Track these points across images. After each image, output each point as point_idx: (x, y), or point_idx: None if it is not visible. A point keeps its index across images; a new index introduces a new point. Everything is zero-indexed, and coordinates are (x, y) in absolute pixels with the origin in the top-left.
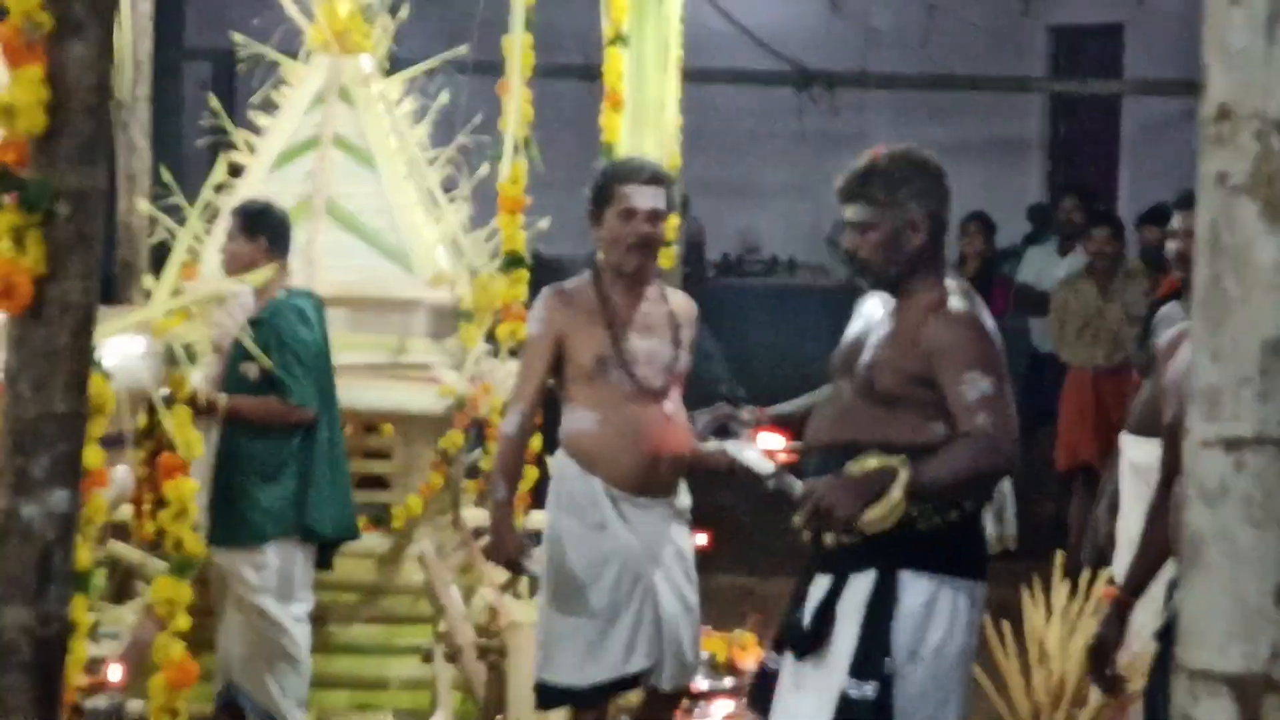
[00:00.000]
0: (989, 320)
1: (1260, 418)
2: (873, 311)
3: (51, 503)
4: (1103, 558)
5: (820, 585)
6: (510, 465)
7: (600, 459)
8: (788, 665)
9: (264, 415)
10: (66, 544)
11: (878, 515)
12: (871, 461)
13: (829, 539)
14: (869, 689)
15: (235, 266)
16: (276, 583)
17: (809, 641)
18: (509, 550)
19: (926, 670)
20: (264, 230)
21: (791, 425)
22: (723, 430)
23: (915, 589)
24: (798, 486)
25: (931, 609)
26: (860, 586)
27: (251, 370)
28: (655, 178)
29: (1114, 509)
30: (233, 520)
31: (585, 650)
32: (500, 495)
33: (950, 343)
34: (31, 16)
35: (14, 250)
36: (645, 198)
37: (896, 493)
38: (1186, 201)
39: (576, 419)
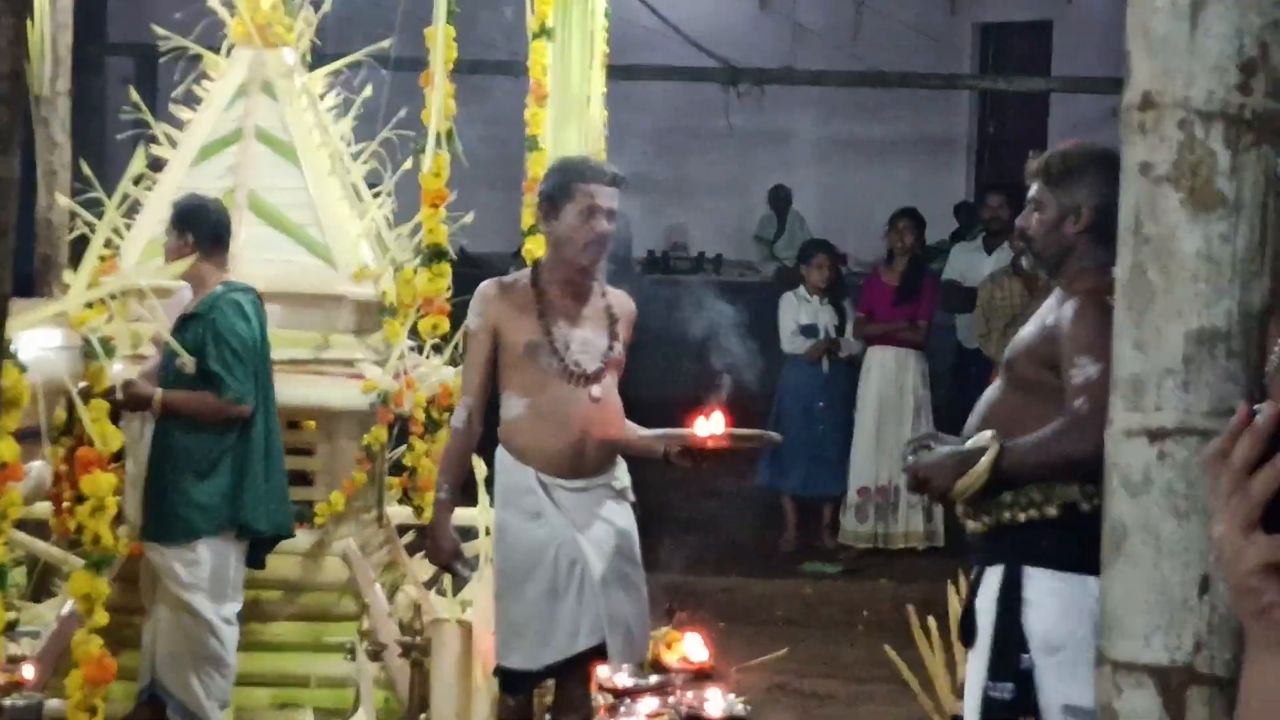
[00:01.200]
0: None
1: (1184, 408)
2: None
3: None
4: None
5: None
6: (452, 461)
7: (530, 445)
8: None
9: (199, 410)
10: None
11: (963, 485)
12: (984, 437)
13: (968, 526)
14: (1006, 689)
15: (168, 261)
16: (209, 581)
17: (968, 634)
18: (443, 552)
19: (1066, 659)
20: (193, 226)
21: None
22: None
23: (1040, 585)
24: None
25: (1061, 602)
26: (991, 582)
27: (188, 365)
28: (616, 180)
29: None
30: (166, 516)
31: (535, 636)
32: (440, 494)
33: (1072, 326)
34: None
35: None
36: (607, 198)
37: (982, 464)
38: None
39: (509, 407)
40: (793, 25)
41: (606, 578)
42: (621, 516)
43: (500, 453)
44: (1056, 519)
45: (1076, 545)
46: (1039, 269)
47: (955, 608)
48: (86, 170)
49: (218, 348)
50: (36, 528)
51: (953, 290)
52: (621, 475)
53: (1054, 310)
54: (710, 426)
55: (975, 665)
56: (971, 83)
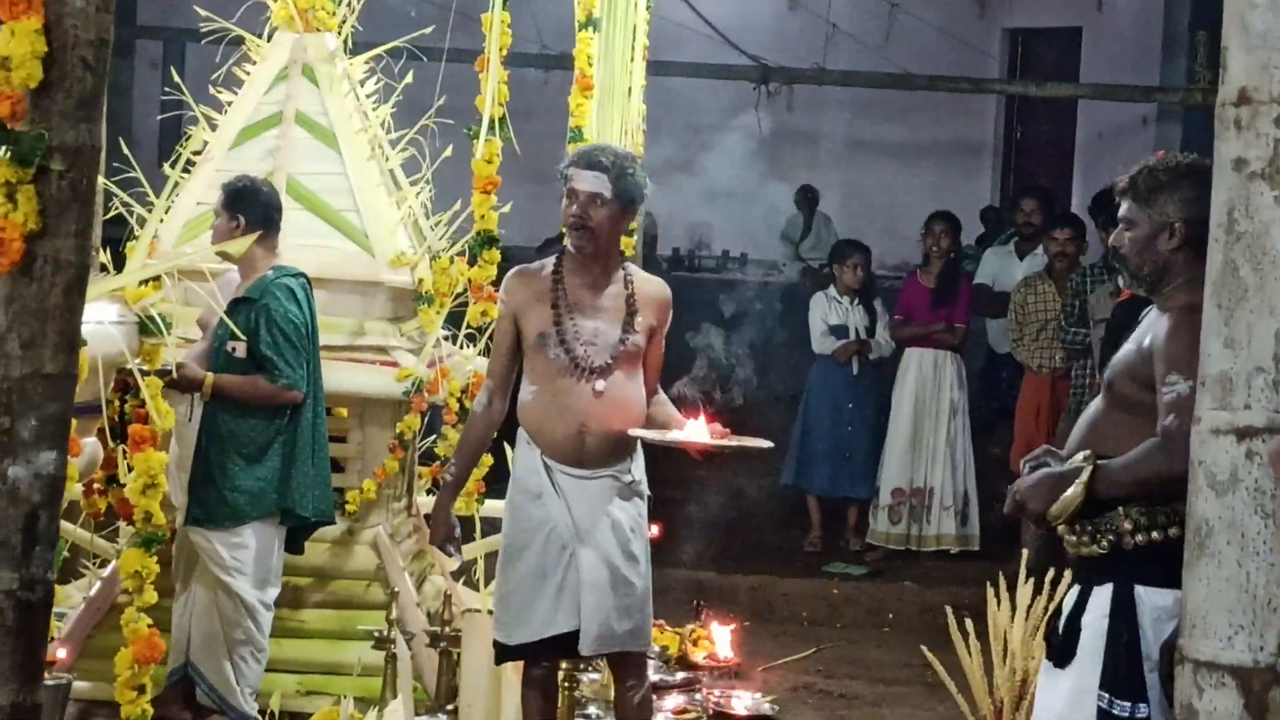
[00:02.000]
0: None
1: (1274, 407)
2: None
3: (39, 464)
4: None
5: (1071, 595)
6: (468, 441)
7: (536, 430)
8: (1045, 668)
9: (250, 395)
10: (53, 507)
11: (1059, 508)
12: (1078, 459)
13: (1081, 549)
14: (1124, 707)
15: (215, 242)
16: (253, 565)
17: (1061, 652)
18: (437, 530)
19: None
20: (244, 208)
21: None
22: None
23: (1153, 603)
24: None
25: (1171, 621)
26: (1101, 599)
27: (239, 349)
28: (592, 162)
29: None
30: (213, 500)
31: (517, 612)
32: (447, 474)
33: (1164, 344)
34: None
35: (6, 205)
36: (581, 181)
37: (1076, 487)
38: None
39: (524, 390)
40: (824, 25)
41: (593, 568)
42: (626, 510)
43: (519, 432)
44: (1174, 539)
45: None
46: (1137, 287)
47: (994, 611)
48: (125, 150)
49: (270, 333)
50: (64, 509)
51: (984, 294)
52: (634, 469)
53: (1151, 328)
54: (695, 433)
55: (1072, 683)
56: (1000, 87)
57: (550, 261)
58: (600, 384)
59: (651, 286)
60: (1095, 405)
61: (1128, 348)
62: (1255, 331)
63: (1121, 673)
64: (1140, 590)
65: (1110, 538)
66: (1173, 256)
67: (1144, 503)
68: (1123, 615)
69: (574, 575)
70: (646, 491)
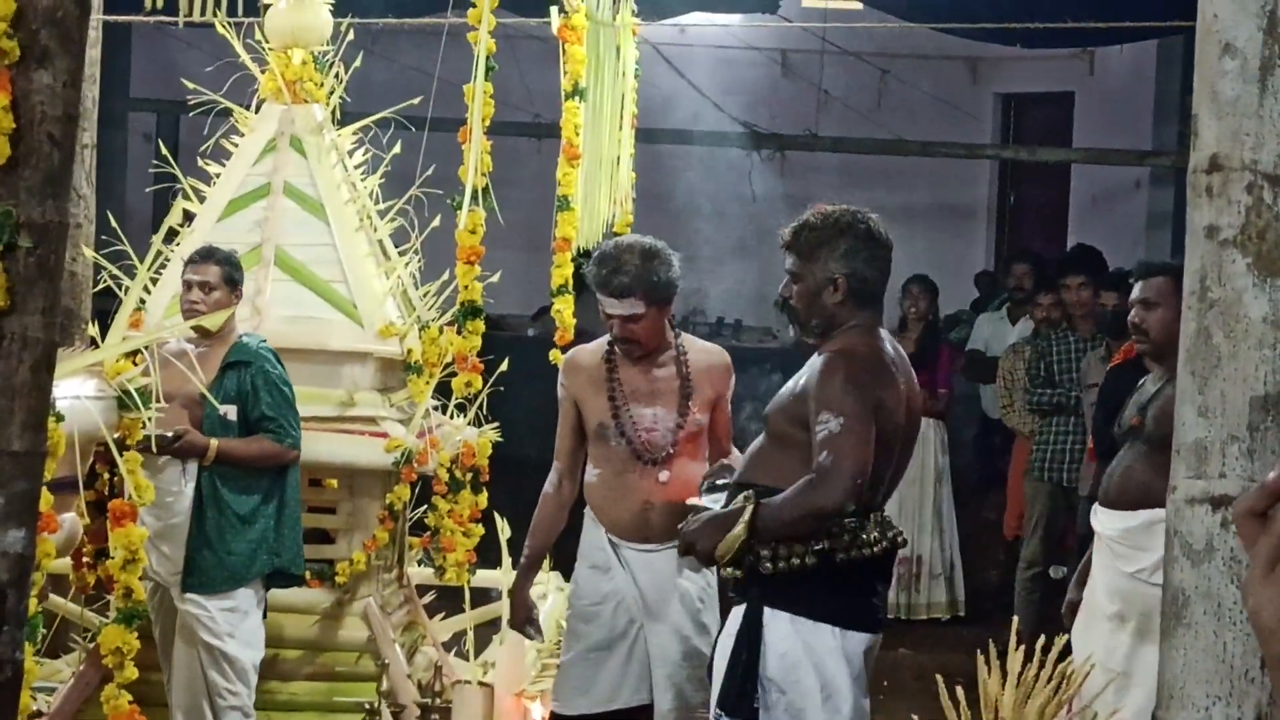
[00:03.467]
0: (879, 363)
1: (1248, 475)
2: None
3: (7, 542)
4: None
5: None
6: (539, 525)
7: (600, 510)
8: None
9: (255, 456)
10: (22, 586)
11: (724, 548)
12: (739, 500)
13: (726, 574)
14: None
15: (214, 314)
16: (243, 628)
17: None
18: (518, 617)
19: (789, 705)
20: (239, 280)
21: None
22: (712, 488)
23: (777, 627)
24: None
25: (795, 647)
26: (734, 619)
27: (230, 412)
28: (619, 290)
29: (1083, 579)
30: (210, 566)
31: (578, 682)
32: (523, 558)
33: (816, 384)
34: None
35: None
36: (613, 307)
37: (739, 527)
38: (1146, 271)
39: (589, 473)
40: (816, 91)
41: (663, 641)
42: (694, 581)
43: (585, 509)
44: (809, 567)
45: (813, 590)
46: (806, 336)
47: (984, 677)
48: (114, 223)
49: (271, 394)
50: (54, 582)
51: (977, 360)
52: None
53: (808, 369)
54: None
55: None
56: (993, 152)
57: (603, 344)
58: (664, 474)
59: (708, 357)
60: (758, 440)
61: (787, 387)
62: (1229, 399)
63: (734, 690)
64: (767, 612)
65: (740, 566)
66: (838, 309)
67: (799, 540)
68: (749, 635)
69: (642, 649)
70: None
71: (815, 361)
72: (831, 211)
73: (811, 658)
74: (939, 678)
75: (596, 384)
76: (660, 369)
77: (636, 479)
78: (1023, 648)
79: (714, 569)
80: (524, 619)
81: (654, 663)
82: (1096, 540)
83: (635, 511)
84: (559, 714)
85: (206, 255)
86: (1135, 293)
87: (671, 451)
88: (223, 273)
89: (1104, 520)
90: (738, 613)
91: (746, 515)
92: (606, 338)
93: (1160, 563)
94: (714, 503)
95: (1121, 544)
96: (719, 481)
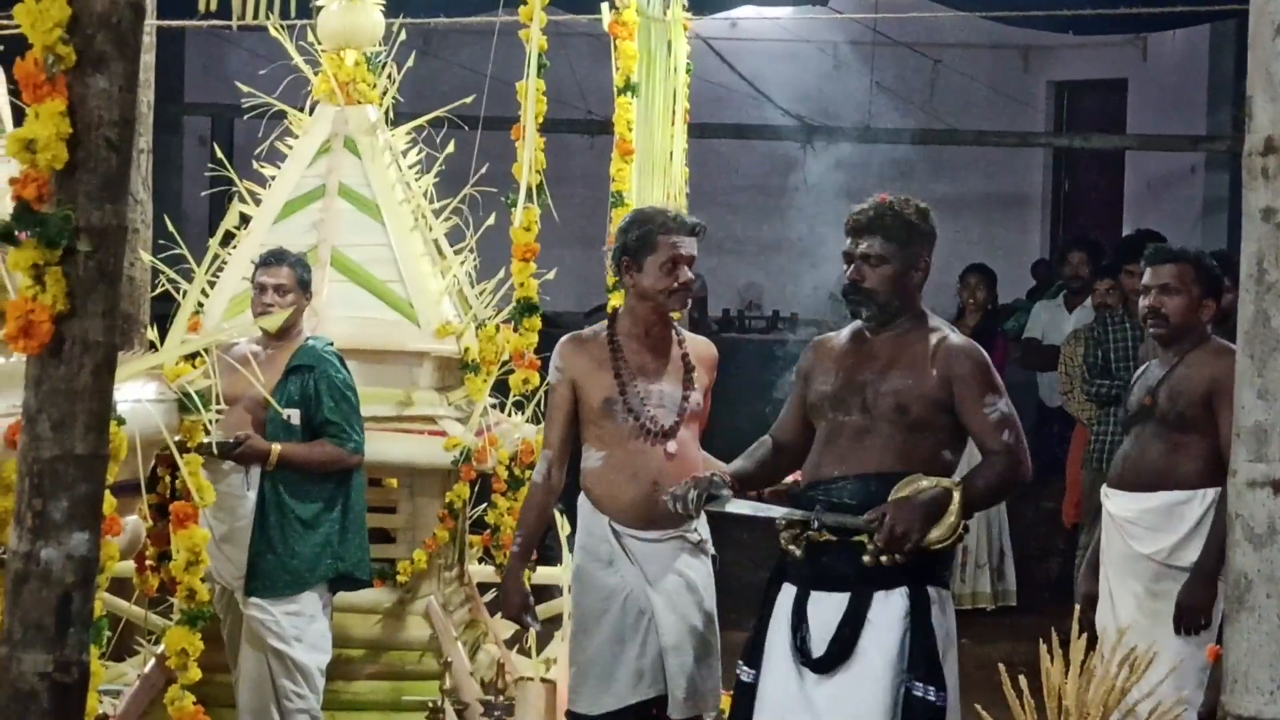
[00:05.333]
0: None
1: None
2: (830, 354)
3: (71, 545)
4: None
5: (827, 603)
6: (530, 514)
7: (604, 495)
8: (786, 677)
9: (318, 460)
10: (86, 588)
11: (939, 535)
12: (923, 483)
13: (867, 559)
14: (932, 692)
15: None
16: (310, 631)
17: (836, 657)
18: (512, 603)
19: (950, 669)
20: (311, 285)
21: (749, 482)
22: (711, 498)
23: (937, 601)
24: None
25: (944, 617)
26: (895, 601)
27: (294, 416)
28: (695, 229)
29: (1094, 568)
30: (274, 569)
31: (598, 680)
32: (515, 546)
33: (970, 369)
34: (53, 49)
35: (34, 288)
36: (689, 247)
37: (955, 514)
38: (1161, 256)
39: (588, 458)
40: (868, 82)
41: (674, 630)
42: (696, 569)
43: (581, 500)
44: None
45: (944, 564)
46: (877, 321)
47: (1047, 666)
48: (170, 227)
49: (334, 398)
50: (118, 585)
51: (1034, 348)
52: (701, 529)
53: (924, 356)
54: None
55: (858, 679)
56: (1046, 141)
57: (601, 328)
58: (671, 446)
59: (700, 346)
60: (848, 429)
61: (899, 375)
62: None
63: (920, 664)
64: (931, 590)
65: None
66: (915, 293)
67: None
68: (919, 613)
69: (654, 640)
70: (712, 551)
71: (944, 348)
72: (907, 198)
73: (947, 621)
74: (1001, 667)
75: (600, 362)
76: (663, 348)
77: (645, 457)
78: (1084, 635)
79: (712, 558)
80: (519, 607)
81: (667, 653)
82: (1105, 525)
83: (644, 493)
84: (581, 714)
85: (279, 257)
86: (1149, 278)
87: (677, 423)
88: (295, 275)
89: (1119, 503)
90: (894, 595)
91: (959, 500)
92: (601, 325)
93: (1176, 545)
94: (735, 508)
95: (1137, 525)
96: (718, 493)
